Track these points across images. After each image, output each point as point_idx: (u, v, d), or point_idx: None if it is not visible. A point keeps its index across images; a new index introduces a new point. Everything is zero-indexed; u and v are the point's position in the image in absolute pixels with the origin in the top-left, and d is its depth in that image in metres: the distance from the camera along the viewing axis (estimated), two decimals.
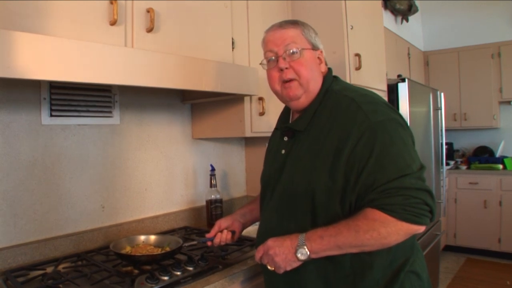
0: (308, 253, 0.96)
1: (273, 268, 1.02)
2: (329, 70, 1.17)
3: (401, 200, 0.91)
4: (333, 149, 0.99)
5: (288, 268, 1.00)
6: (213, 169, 1.89)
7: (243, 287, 1.29)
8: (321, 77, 1.12)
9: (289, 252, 0.98)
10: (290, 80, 1.08)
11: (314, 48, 1.12)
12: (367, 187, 0.94)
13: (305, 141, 1.06)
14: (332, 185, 0.98)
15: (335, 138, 0.99)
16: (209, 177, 1.91)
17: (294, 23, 1.13)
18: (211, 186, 1.88)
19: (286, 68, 1.08)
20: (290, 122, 1.18)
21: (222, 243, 1.26)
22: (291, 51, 1.07)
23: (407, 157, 0.95)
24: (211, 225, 1.81)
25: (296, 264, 0.99)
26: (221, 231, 1.27)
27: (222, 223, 1.29)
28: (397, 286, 0.98)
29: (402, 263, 1.01)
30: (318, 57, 1.13)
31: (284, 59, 1.08)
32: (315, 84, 1.09)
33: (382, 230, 0.92)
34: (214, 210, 1.84)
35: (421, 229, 0.94)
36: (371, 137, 0.95)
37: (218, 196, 1.86)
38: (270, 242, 1.03)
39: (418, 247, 1.10)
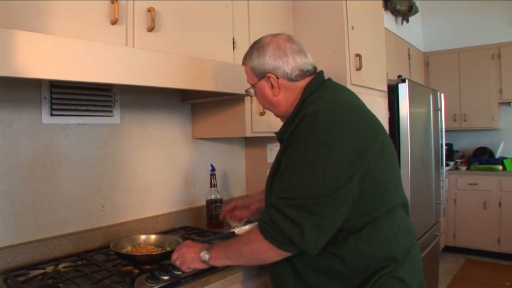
0: (207, 257, 1.09)
1: (178, 263, 1.14)
2: (318, 75, 1.14)
3: (268, 221, 0.94)
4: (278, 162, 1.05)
5: (192, 266, 1.12)
6: (213, 169, 1.89)
7: (243, 287, 1.29)
8: (277, 101, 1.15)
9: (196, 251, 1.11)
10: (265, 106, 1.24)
11: (260, 77, 1.15)
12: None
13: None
14: None
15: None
16: (209, 177, 1.90)
17: (245, 58, 1.20)
18: (211, 186, 1.88)
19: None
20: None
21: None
22: (250, 90, 1.22)
23: (301, 182, 0.92)
24: (211, 225, 1.82)
25: (199, 264, 1.11)
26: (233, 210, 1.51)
27: (239, 204, 1.49)
28: (369, 286, 0.95)
29: (379, 269, 0.96)
30: (271, 81, 1.13)
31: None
32: (276, 108, 1.18)
33: (253, 246, 0.98)
34: (214, 210, 1.84)
35: (286, 253, 0.96)
36: (291, 151, 0.98)
37: (218, 196, 1.86)
38: (187, 242, 1.20)
39: (411, 254, 1.05)
